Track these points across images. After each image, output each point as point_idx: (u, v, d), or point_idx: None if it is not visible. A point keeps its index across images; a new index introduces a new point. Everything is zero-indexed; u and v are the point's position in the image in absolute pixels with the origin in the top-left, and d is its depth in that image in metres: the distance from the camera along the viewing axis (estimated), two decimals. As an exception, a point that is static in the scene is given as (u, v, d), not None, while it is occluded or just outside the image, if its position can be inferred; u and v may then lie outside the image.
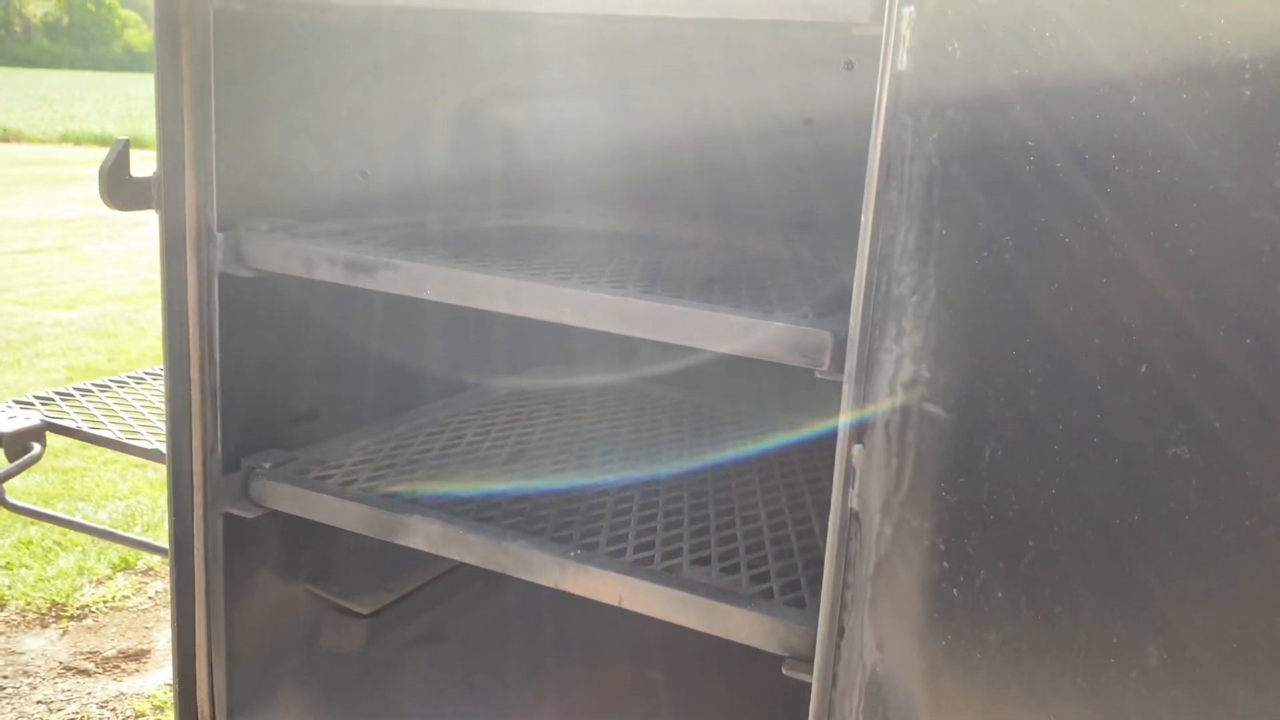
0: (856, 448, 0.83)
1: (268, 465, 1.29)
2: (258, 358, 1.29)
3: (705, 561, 1.16)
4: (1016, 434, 0.74)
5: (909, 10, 0.75)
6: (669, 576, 1.10)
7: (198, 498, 1.27)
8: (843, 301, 1.07)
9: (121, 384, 1.95)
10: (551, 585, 1.12)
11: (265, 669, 1.40)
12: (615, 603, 1.10)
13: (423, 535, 1.18)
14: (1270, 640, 0.68)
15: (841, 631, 0.87)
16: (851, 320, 0.82)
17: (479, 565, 1.15)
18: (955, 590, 0.78)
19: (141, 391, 1.93)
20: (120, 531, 2.45)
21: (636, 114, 1.62)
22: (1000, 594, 0.76)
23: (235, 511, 1.28)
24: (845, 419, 0.84)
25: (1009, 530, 0.75)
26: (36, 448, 1.52)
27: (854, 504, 0.84)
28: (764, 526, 1.26)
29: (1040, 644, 0.74)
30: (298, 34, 1.27)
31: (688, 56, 1.52)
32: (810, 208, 1.53)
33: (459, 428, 1.53)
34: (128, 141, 1.17)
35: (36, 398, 1.76)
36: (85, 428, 1.59)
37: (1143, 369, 0.67)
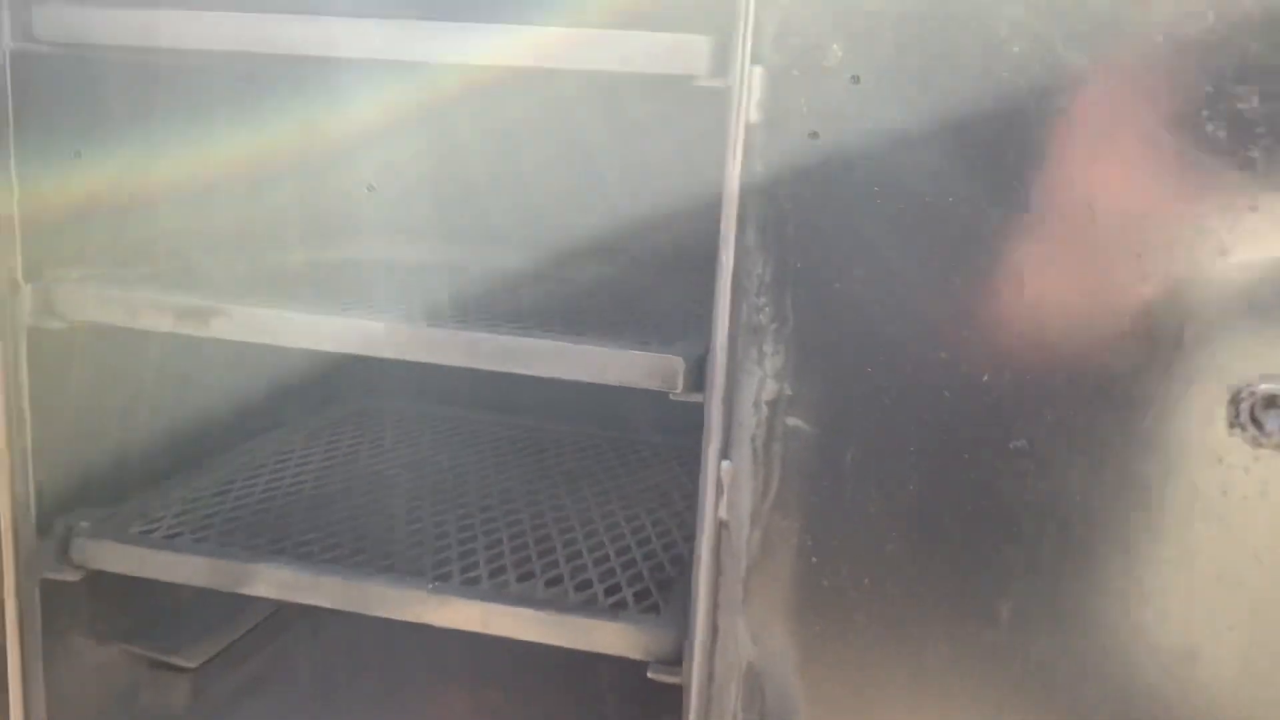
0: (725, 463, 0.91)
1: (85, 524, 1.23)
2: (68, 412, 1.23)
3: (558, 581, 1.21)
4: (874, 439, 0.84)
5: (758, 69, 0.84)
6: (530, 599, 1.14)
7: (10, 566, 1.19)
8: (685, 328, 1.16)
9: None
10: (414, 620, 1.14)
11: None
12: (480, 630, 1.13)
13: (273, 583, 1.16)
14: (1083, 593, 0.81)
15: (715, 631, 0.94)
16: (715, 347, 0.90)
17: (335, 608, 1.15)
18: (824, 581, 0.88)
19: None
20: None
21: (445, 149, 1.65)
22: (866, 580, 0.86)
23: (54, 576, 1.21)
24: (713, 437, 0.91)
25: (871, 523, 0.85)
26: None
27: (723, 514, 0.92)
28: (605, 541, 1.32)
29: (905, 618, 0.85)
30: (104, 77, 1.22)
31: (500, 94, 1.56)
32: (625, 236, 1.61)
33: (276, 468, 1.50)
34: (-85, 189, 1.09)
35: None
36: None
37: (984, 378, 0.79)
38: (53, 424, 1.19)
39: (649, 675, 1.07)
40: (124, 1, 1.10)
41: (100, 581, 1.27)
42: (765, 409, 0.88)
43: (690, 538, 1.34)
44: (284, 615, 1.61)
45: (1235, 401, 0.76)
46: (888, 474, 0.84)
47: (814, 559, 0.88)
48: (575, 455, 1.66)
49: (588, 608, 1.12)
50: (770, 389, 0.88)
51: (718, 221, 0.90)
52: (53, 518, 1.22)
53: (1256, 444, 0.75)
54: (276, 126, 1.49)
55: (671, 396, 1.02)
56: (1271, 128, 0.73)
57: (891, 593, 0.85)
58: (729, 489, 0.91)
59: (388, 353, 1.07)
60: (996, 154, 0.78)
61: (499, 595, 1.14)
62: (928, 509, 0.83)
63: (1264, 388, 0.75)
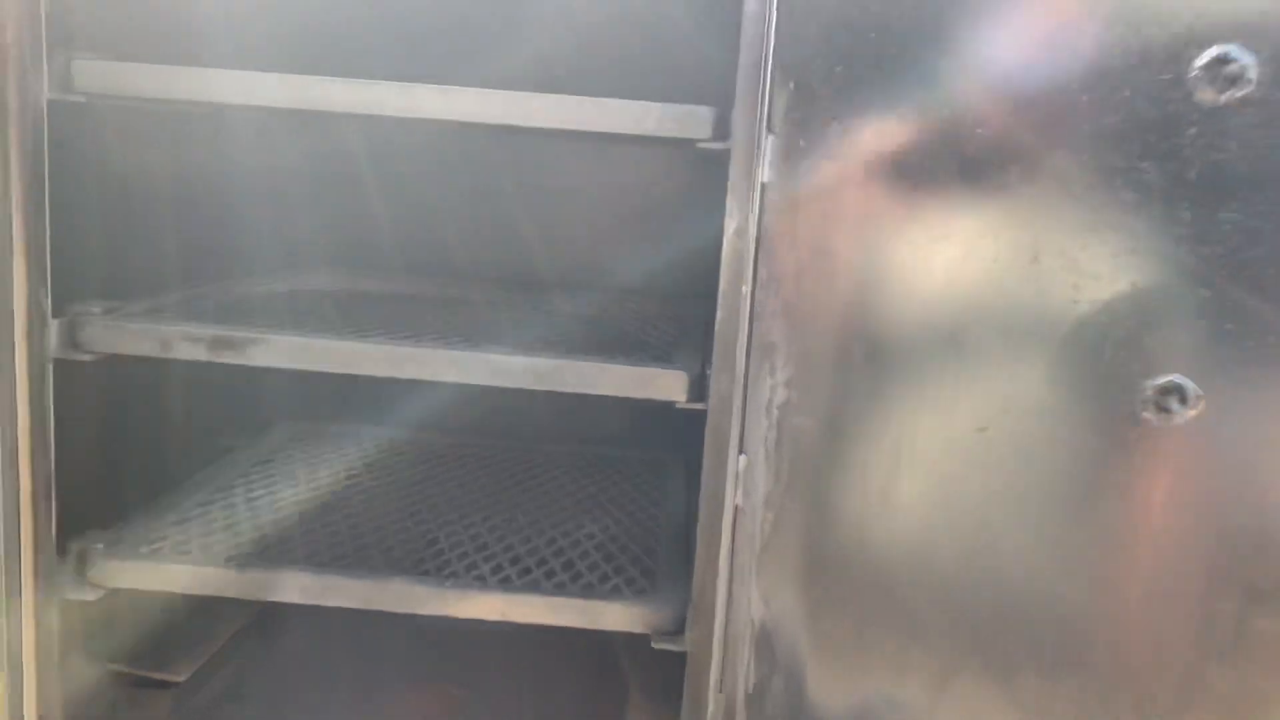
0: (741, 458, 1.10)
1: (100, 546, 1.29)
2: (85, 440, 1.29)
3: (552, 574, 1.37)
4: (869, 429, 1.06)
5: (771, 138, 1.04)
6: (540, 589, 1.30)
7: (30, 588, 1.24)
8: (670, 351, 1.35)
9: None
10: (435, 613, 1.27)
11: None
12: (500, 618, 1.27)
13: (297, 588, 1.26)
14: (1020, 524, 1.06)
15: (731, 597, 1.13)
16: (738, 364, 1.09)
17: (360, 607, 1.27)
18: (828, 548, 1.09)
19: None
20: None
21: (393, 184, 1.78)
22: (865, 538, 1.07)
23: (74, 597, 1.26)
24: (731, 436, 1.11)
25: (870, 495, 1.07)
26: None
27: (739, 501, 1.11)
28: (581, 539, 1.49)
29: (898, 565, 1.07)
30: (132, 124, 1.30)
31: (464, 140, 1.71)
32: (595, 266, 1.79)
33: (246, 488, 1.59)
34: (-42, 231, 1.14)
35: None
36: None
37: (950, 376, 1.02)
38: (70, 452, 1.26)
39: (654, 645, 1.25)
40: (150, 59, 1.20)
41: (88, 609, 1.33)
42: (776, 411, 1.08)
43: (660, 534, 1.54)
44: (252, 629, 1.69)
45: (1137, 392, 1.01)
46: (883, 454, 1.06)
47: (820, 532, 1.09)
48: (525, 468, 1.81)
49: (595, 592, 1.29)
50: (780, 395, 1.08)
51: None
52: (67, 541, 1.28)
53: (1143, 420, 1.02)
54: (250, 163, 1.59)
55: (677, 406, 1.21)
56: (1150, 191, 0.99)
57: (886, 547, 1.07)
58: (744, 479, 1.11)
59: (422, 374, 1.20)
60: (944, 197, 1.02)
61: (514, 588, 1.29)
62: (915, 477, 1.05)
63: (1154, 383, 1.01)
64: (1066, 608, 1.06)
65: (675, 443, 1.93)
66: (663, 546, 1.49)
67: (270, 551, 1.35)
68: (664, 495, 1.73)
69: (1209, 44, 0.94)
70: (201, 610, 1.57)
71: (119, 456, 1.42)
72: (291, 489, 1.59)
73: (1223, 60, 0.93)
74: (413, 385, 1.80)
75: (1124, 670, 1.05)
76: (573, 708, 1.65)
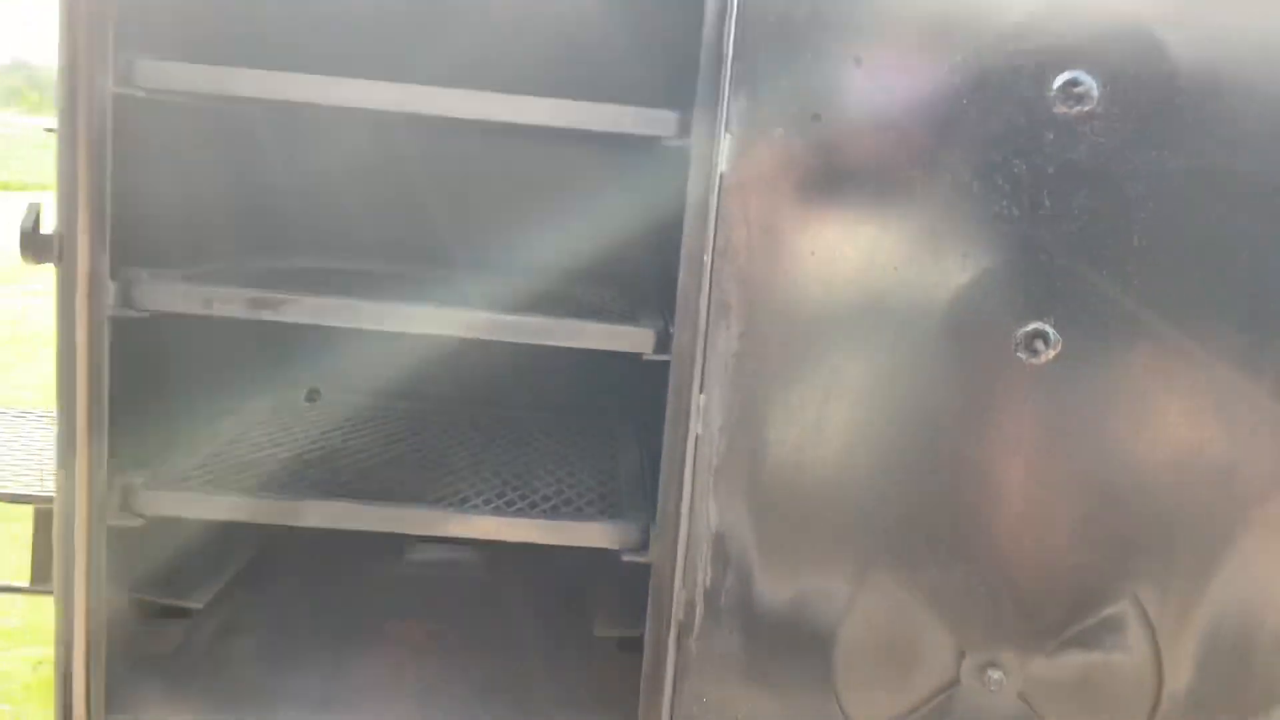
0: (701, 396, 1.36)
1: (141, 479, 1.48)
2: (129, 388, 1.48)
3: (534, 505, 1.61)
4: (804, 372, 1.32)
5: (729, 135, 1.30)
6: (528, 513, 1.54)
7: (83, 517, 1.42)
8: (639, 311, 1.60)
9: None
10: (444, 534, 1.50)
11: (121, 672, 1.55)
12: (495, 536, 1.51)
13: (326, 514, 1.48)
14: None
15: (693, 510, 1.39)
16: (699, 321, 1.34)
17: (380, 530, 1.49)
18: (771, 468, 1.35)
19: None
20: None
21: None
22: (800, 459, 1.34)
23: (119, 523, 1.45)
24: (693, 378, 1.36)
25: (805, 424, 1.33)
26: None
27: (699, 430, 1.37)
28: (551, 481, 1.73)
29: (826, 481, 1.34)
30: (179, 117, 1.50)
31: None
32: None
33: (271, 431, 1.80)
34: (39, 204, 1.33)
35: None
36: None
37: (866, 322, 1.29)
38: (118, 397, 1.45)
39: (624, 559, 1.50)
40: (201, 60, 1.41)
41: (115, 540, 1.52)
42: (731, 359, 1.34)
43: (618, 476, 1.79)
44: (249, 571, 1.89)
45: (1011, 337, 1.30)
46: (819, 383, 1.32)
47: (765, 451, 1.35)
48: (494, 428, 2.05)
49: (575, 515, 1.54)
50: (734, 345, 1.34)
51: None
52: (113, 476, 1.47)
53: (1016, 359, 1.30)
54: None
55: (644, 358, 1.46)
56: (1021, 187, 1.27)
57: (825, 457, 1.33)
58: (704, 413, 1.36)
59: (436, 329, 1.43)
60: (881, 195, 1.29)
61: (505, 513, 1.53)
62: (845, 396, 1.32)
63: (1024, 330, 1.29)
64: (957, 512, 1.34)
65: (622, 410, 2.19)
66: (622, 485, 1.74)
67: (290, 485, 1.56)
68: (617, 449, 1.98)
69: (1063, 70, 1.22)
70: (211, 547, 1.76)
71: (150, 407, 1.61)
72: (295, 441, 1.80)
73: (1073, 83, 1.22)
74: (393, 358, 2.04)
75: (1000, 559, 1.33)
76: (546, 628, 1.88)
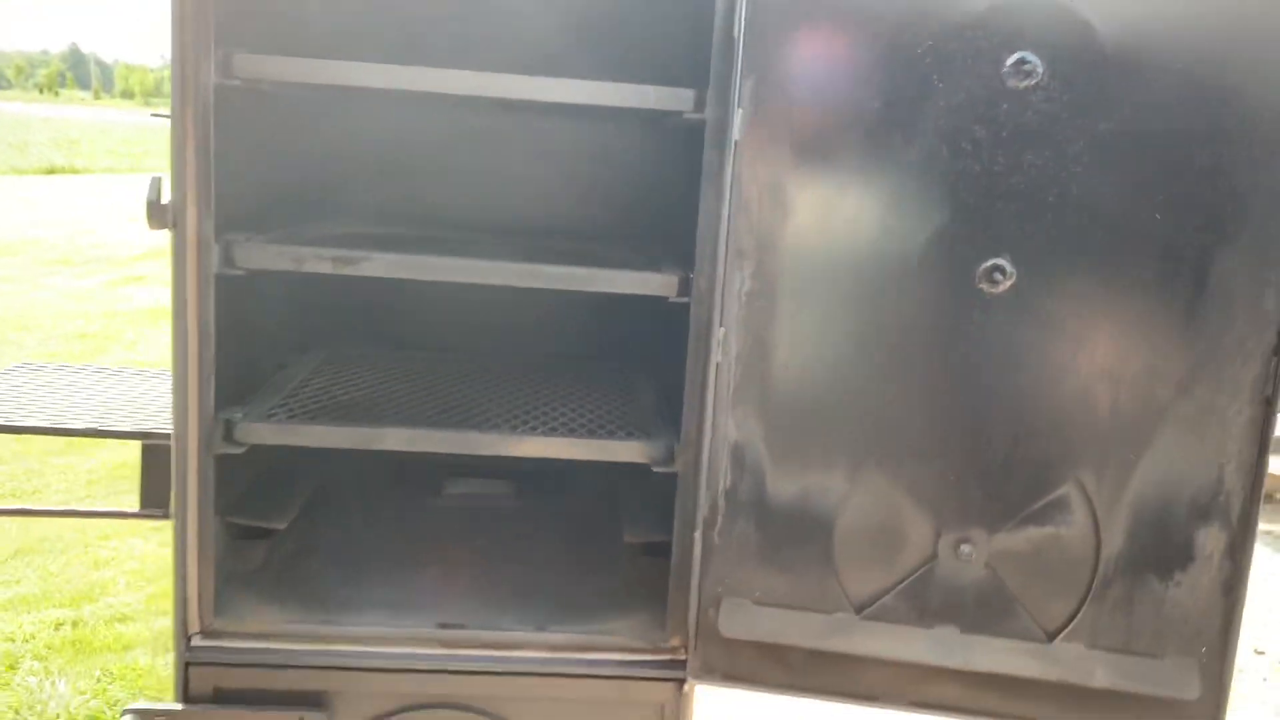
0: (720, 329, 1.63)
1: (239, 414, 1.73)
2: (247, 328, 1.73)
3: (573, 429, 1.88)
4: (806, 306, 1.60)
5: (741, 110, 1.57)
6: (573, 434, 1.81)
7: (194, 447, 1.67)
8: (668, 259, 1.86)
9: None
10: (506, 454, 1.76)
11: (219, 584, 1.81)
12: (543, 454, 1.78)
13: (403, 438, 1.74)
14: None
15: (714, 426, 1.66)
16: (718, 267, 1.61)
17: (452, 451, 1.75)
18: (779, 387, 1.62)
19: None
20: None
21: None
22: (803, 379, 1.61)
23: (225, 451, 1.70)
24: (714, 314, 1.63)
25: (807, 350, 1.61)
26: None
27: (719, 359, 1.64)
28: (583, 411, 2.00)
29: (825, 396, 1.62)
30: (268, 103, 1.74)
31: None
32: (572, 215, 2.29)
33: (333, 375, 2.05)
34: (161, 178, 1.57)
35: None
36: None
37: (855, 262, 1.57)
38: (221, 342, 1.69)
39: (654, 470, 1.78)
40: (291, 53, 1.65)
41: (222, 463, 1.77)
42: (744, 297, 1.61)
43: (641, 407, 2.06)
44: (312, 503, 2.14)
45: (974, 271, 1.58)
46: (815, 326, 1.60)
47: (776, 372, 1.62)
48: (521, 372, 2.31)
49: (612, 435, 1.81)
50: (747, 285, 1.61)
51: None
52: (216, 412, 1.71)
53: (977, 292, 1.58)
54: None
55: (669, 300, 1.73)
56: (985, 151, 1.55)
57: (819, 383, 1.61)
58: (722, 344, 1.63)
59: (497, 280, 1.69)
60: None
61: (551, 434, 1.80)
62: (841, 322, 1.60)
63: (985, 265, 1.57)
64: (932, 416, 1.63)
65: (629, 355, 2.46)
66: (645, 414, 2.02)
67: (367, 416, 1.82)
68: (634, 387, 2.25)
69: (1014, 50, 1.50)
70: (282, 481, 2.02)
71: (234, 352, 1.86)
72: (354, 384, 2.05)
73: (1022, 61, 1.50)
74: (423, 313, 2.29)
75: (968, 454, 1.62)
76: (575, 544, 2.16)
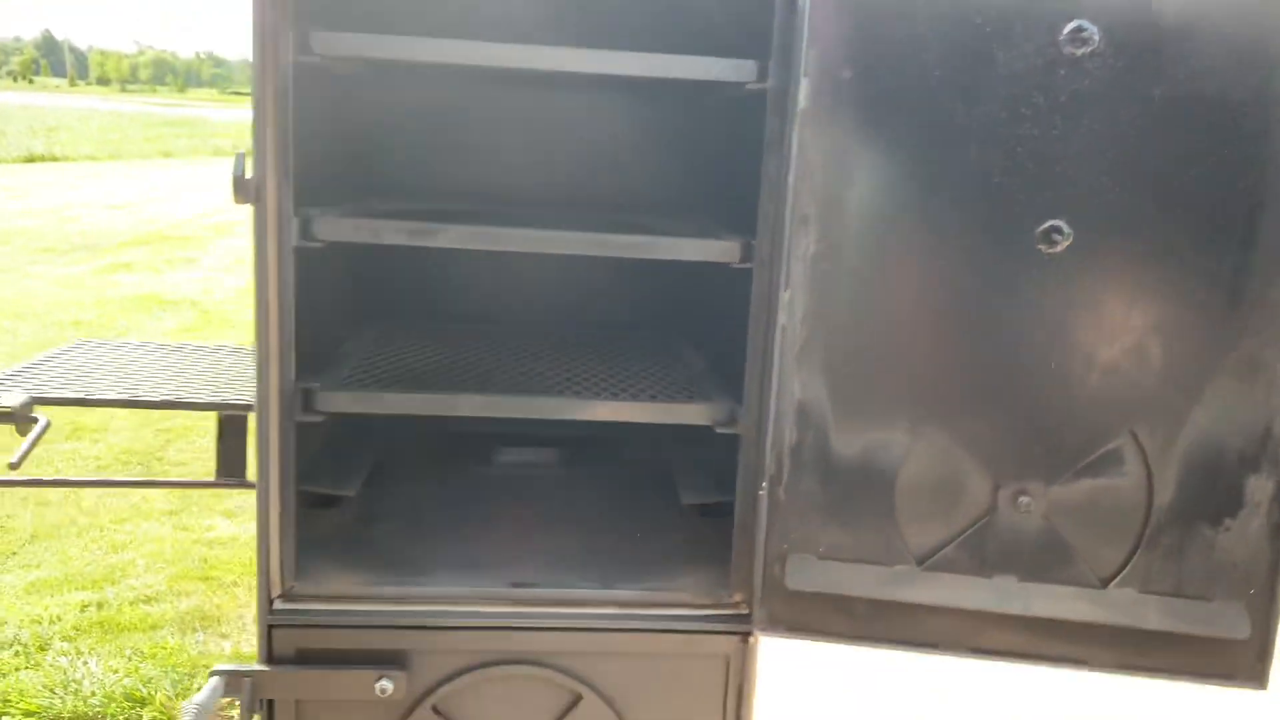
0: (787, 294, 1.69)
1: (317, 384, 1.78)
2: (307, 305, 1.77)
3: (636, 395, 1.93)
4: (868, 268, 1.66)
5: (806, 80, 1.62)
6: (640, 398, 1.87)
7: (275, 415, 1.72)
8: (732, 227, 1.92)
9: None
10: (572, 417, 1.82)
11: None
12: (613, 418, 1.83)
13: (477, 404, 1.79)
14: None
15: (778, 386, 1.72)
16: (784, 231, 1.67)
17: (519, 416, 1.80)
18: (843, 346, 1.69)
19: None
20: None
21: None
22: (863, 338, 1.68)
23: (305, 420, 1.75)
24: (780, 278, 1.69)
25: (869, 309, 1.67)
26: (42, 419, 1.76)
27: (784, 321, 1.70)
28: (641, 377, 2.05)
29: (886, 354, 1.68)
30: (339, 79, 1.78)
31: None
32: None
33: (394, 347, 2.11)
34: (244, 154, 1.61)
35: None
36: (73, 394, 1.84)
37: (920, 237, 1.63)
38: (300, 313, 1.74)
39: (717, 431, 1.84)
40: (368, 29, 1.69)
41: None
42: (809, 260, 1.67)
43: (692, 372, 2.12)
44: (375, 472, 2.20)
45: (1033, 231, 1.64)
46: (878, 286, 1.66)
47: (838, 338, 1.68)
48: (571, 339, 2.36)
49: (673, 397, 1.87)
50: (812, 249, 1.67)
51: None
52: (296, 381, 1.76)
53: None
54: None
55: (732, 266, 1.79)
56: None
57: (882, 341, 1.68)
58: (787, 306, 1.69)
59: (566, 249, 1.74)
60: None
61: (621, 399, 1.86)
62: (895, 296, 1.66)
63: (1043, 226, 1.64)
64: (990, 373, 1.69)
65: (670, 325, 2.52)
66: (698, 378, 2.08)
67: (438, 383, 1.88)
68: (678, 352, 2.31)
69: (1071, 19, 1.56)
70: (348, 451, 2.07)
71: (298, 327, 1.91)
72: (416, 355, 2.10)
73: (1079, 29, 1.56)
74: (465, 286, 2.35)
75: (1027, 409, 1.69)
76: (629, 506, 2.22)
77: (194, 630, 3.93)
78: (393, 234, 1.72)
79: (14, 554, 4.47)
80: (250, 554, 4.46)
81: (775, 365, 1.72)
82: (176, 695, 3.51)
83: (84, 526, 4.76)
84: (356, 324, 2.34)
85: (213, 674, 1.74)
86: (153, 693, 3.50)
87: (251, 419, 1.93)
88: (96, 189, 17.04)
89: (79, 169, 20.80)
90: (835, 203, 1.65)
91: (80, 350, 2.27)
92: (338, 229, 1.71)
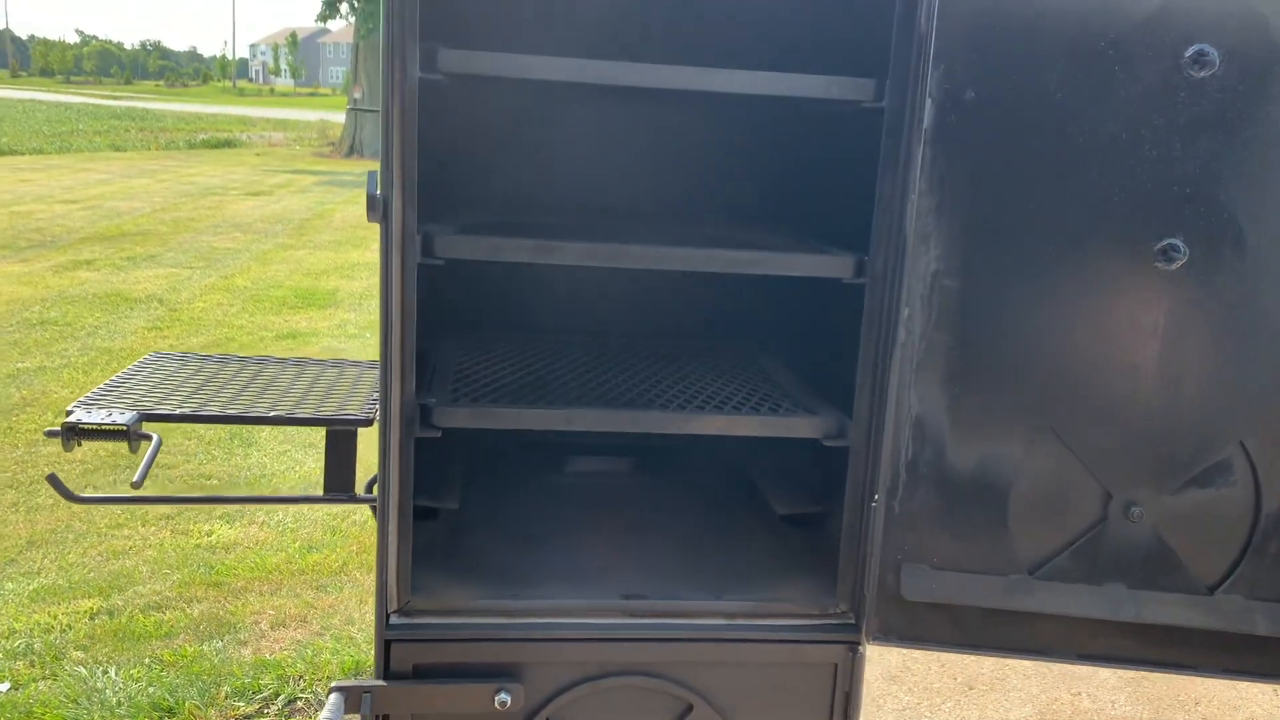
0: (906, 310, 1.72)
1: (433, 400, 1.79)
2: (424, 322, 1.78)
3: (739, 408, 1.95)
4: (988, 284, 1.69)
5: (930, 100, 1.65)
6: (746, 412, 1.89)
7: (396, 430, 1.72)
8: (845, 242, 1.94)
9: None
10: (683, 431, 1.84)
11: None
12: (715, 432, 1.85)
13: (590, 419, 1.80)
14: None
15: (898, 400, 1.75)
16: (906, 247, 1.70)
17: (624, 430, 1.82)
18: (961, 362, 1.72)
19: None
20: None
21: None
22: (982, 353, 1.71)
23: (424, 434, 1.76)
24: (901, 294, 1.72)
25: (987, 325, 1.70)
26: (155, 437, 1.75)
27: (903, 337, 1.73)
28: (734, 391, 2.07)
29: (1004, 369, 1.71)
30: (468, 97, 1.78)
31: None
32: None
33: (480, 360, 2.11)
34: (375, 173, 1.61)
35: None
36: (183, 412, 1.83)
37: (1041, 251, 1.67)
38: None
39: (825, 444, 1.86)
40: (492, 49, 1.70)
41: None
42: (930, 277, 1.70)
43: (786, 386, 2.14)
44: (470, 477, 2.20)
45: (1152, 249, 1.68)
46: (997, 301, 1.70)
47: (956, 353, 1.72)
48: (649, 350, 2.37)
49: (786, 413, 1.89)
50: (933, 266, 1.70)
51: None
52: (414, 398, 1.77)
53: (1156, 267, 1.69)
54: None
55: (844, 281, 1.81)
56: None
57: (1000, 356, 1.71)
58: (906, 323, 1.72)
59: (685, 265, 1.76)
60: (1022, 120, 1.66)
61: (728, 412, 1.88)
62: (1015, 312, 1.70)
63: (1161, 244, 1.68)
64: (1105, 386, 1.73)
65: (748, 337, 2.54)
66: (795, 393, 2.10)
67: (539, 399, 1.88)
68: (766, 368, 2.33)
69: (1193, 43, 1.60)
70: (439, 462, 2.07)
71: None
72: (505, 368, 2.11)
73: (1201, 53, 1.60)
74: (538, 298, 2.36)
75: (1140, 421, 1.73)
76: (713, 516, 2.24)
77: (210, 637, 3.89)
78: (514, 251, 1.72)
79: (12, 561, 4.38)
80: (260, 559, 4.43)
81: (893, 380, 1.74)
82: (206, 704, 3.49)
83: (80, 532, 4.69)
84: (434, 335, 2.34)
85: (332, 690, 1.74)
86: (180, 701, 3.47)
87: (360, 433, 1.93)
88: (48, 183, 16.73)
89: (27, 162, 20.40)
90: (956, 220, 1.68)
91: (152, 364, 2.25)
92: (458, 246, 1.72)
